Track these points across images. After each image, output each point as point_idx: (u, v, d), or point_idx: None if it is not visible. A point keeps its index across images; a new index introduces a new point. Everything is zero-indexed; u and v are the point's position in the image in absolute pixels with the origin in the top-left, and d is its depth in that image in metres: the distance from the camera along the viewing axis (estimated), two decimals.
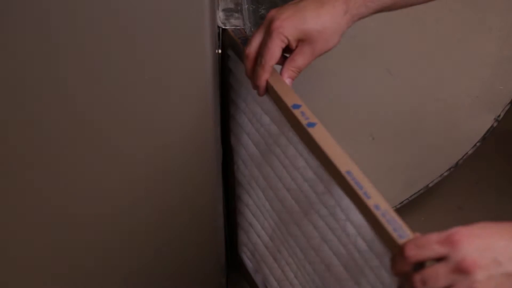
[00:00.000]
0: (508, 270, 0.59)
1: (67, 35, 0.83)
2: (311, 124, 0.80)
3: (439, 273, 0.60)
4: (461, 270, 0.59)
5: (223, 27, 0.96)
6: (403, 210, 1.34)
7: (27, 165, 0.93)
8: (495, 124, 1.24)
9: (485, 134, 1.24)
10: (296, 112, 0.81)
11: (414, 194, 1.32)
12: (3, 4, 0.78)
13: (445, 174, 1.30)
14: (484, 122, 1.24)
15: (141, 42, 0.84)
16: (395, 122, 1.23)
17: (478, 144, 1.26)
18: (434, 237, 0.63)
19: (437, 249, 0.61)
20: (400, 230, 0.67)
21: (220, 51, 0.96)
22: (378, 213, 0.68)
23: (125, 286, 1.09)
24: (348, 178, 0.74)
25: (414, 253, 0.62)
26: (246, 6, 1.02)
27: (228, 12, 0.99)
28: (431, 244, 0.61)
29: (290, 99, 0.83)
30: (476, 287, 0.59)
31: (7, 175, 0.93)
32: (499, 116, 1.23)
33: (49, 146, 0.91)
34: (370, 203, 0.70)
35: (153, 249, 1.04)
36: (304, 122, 0.80)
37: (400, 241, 0.65)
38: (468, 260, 0.59)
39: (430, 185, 1.31)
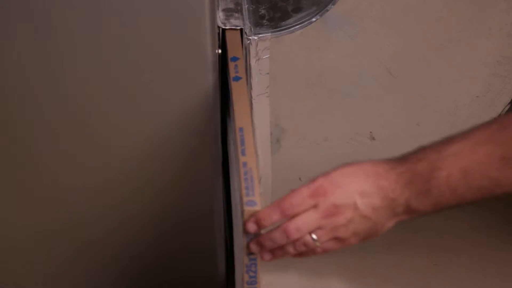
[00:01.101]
0: (364, 213, 0.72)
1: (67, 35, 0.83)
2: (236, 78, 0.85)
3: (310, 220, 0.72)
4: (327, 216, 0.72)
5: (223, 27, 0.96)
6: None
7: (27, 165, 0.93)
8: None
9: None
10: (231, 64, 0.85)
11: None
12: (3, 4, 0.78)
13: None
14: (484, 122, 1.24)
15: (141, 42, 0.84)
16: (395, 122, 1.23)
17: None
18: (304, 192, 0.73)
19: (309, 201, 0.72)
20: (251, 190, 0.74)
21: (220, 51, 0.96)
22: (242, 170, 0.75)
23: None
24: (238, 134, 0.80)
25: (289, 207, 0.73)
26: (246, 6, 1.02)
27: (228, 12, 0.99)
28: (305, 199, 0.72)
29: (232, 53, 0.88)
30: (339, 229, 0.73)
31: (8, 174, 0.93)
32: (499, 116, 1.23)
33: (48, 146, 0.91)
34: (241, 159, 0.75)
35: (149, 249, 1.04)
36: (232, 74, 0.85)
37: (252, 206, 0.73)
38: (331, 208, 0.72)
39: None
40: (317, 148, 1.22)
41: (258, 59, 1.06)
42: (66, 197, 0.96)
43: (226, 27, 0.95)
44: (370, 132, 1.23)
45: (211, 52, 0.87)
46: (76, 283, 1.06)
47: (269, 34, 1.04)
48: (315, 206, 0.72)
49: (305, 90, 1.15)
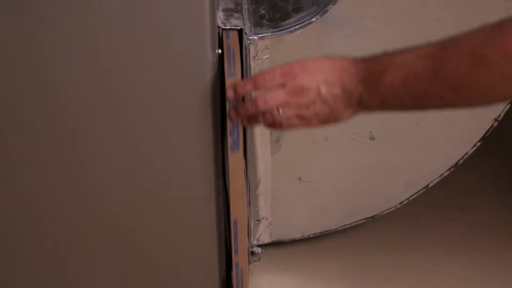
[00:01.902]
0: (324, 98, 0.84)
1: (67, 35, 0.83)
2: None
3: (278, 96, 0.85)
4: (292, 94, 0.84)
5: (223, 27, 0.96)
6: (403, 210, 1.34)
7: (26, 166, 0.93)
8: (495, 124, 1.24)
9: (485, 134, 1.24)
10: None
11: (414, 194, 1.32)
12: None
13: (445, 174, 1.30)
14: (484, 122, 1.24)
15: (141, 42, 0.84)
16: (395, 122, 1.23)
17: (478, 144, 1.26)
18: (277, 71, 0.85)
19: (279, 79, 0.85)
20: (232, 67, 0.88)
21: (220, 51, 0.96)
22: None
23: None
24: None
25: (261, 81, 0.85)
26: (246, 6, 1.02)
27: (228, 12, 0.99)
28: (275, 77, 0.84)
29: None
30: (302, 108, 0.85)
31: (9, 175, 0.94)
32: (499, 116, 1.23)
33: (47, 146, 0.91)
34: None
35: (147, 249, 1.04)
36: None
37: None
38: (297, 89, 0.84)
39: (430, 185, 1.31)
40: (317, 148, 1.22)
41: (258, 59, 1.06)
42: (65, 197, 0.96)
43: (226, 27, 0.95)
44: (370, 132, 1.23)
45: (211, 52, 0.87)
46: (76, 283, 1.06)
47: (269, 34, 1.04)
48: (283, 85, 0.85)
49: None
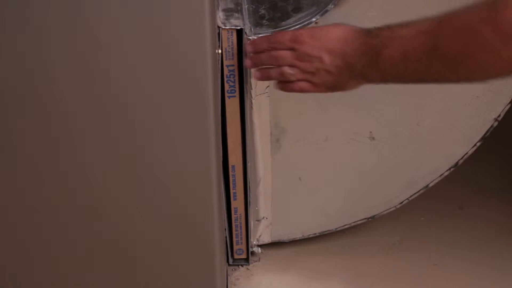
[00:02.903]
0: (328, 68, 0.88)
1: (67, 35, 0.83)
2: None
3: (287, 56, 0.92)
4: (299, 59, 0.91)
5: (223, 27, 0.96)
6: (403, 210, 1.34)
7: (25, 168, 0.93)
8: (495, 124, 1.24)
9: (485, 134, 1.24)
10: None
11: (414, 194, 1.32)
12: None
13: (445, 174, 1.30)
14: (484, 122, 1.24)
15: (140, 42, 0.84)
16: (395, 122, 1.23)
17: (478, 144, 1.26)
18: (287, 35, 0.92)
19: (288, 43, 0.92)
20: None
21: (220, 51, 0.96)
22: None
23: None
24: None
25: (274, 41, 0.93)
26: (246, 6, 1.02)
27: (228, 12, 0.99)
28: (286, 41, 0.92)
29: None
30: (309, 73, 0.91)
31: (10, 176, 0.94)
32: (499, 116, 1.23)
33: (47, 146, 0.91)
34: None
35: (146, 250, 1.04)
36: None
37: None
38: (304, 55, 0.90)
39: (430, 185, 1.31)
40: (317, 148, 1.22)
41: None
42: (64, 198, 0.96)
43: (226, 27, 0.95)
44: (370, 132, 1.23)
45: (211, 52, 0.87)
46: (75, 283, 1.06)
47: (269, 34, 1.04)
48: (293, 49, 0.91)
49: None
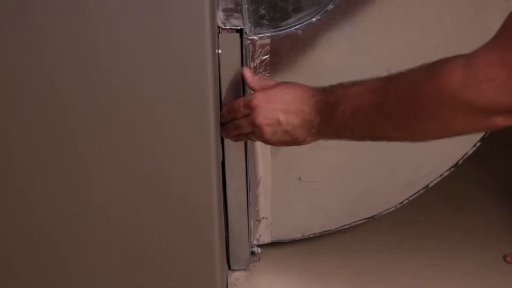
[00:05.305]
0: (285, 128, 0.91)
1: (67, 35, 0.83)
2: None
3: (244, 124, 0.95)
4: (256, 126, 0.93)
5: (223, 27, 0.96)
6: (403, 210, 1.34)
7: (26, 166, 0.93)
8: None
9: (485, 134, 1.24)
10: None
11: (414, 194, 1.32)
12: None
13: (445, 174, 1.30)
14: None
15: (140, 42, 0.84)
16: None
17: (478, 144, 1.26)
18: (241, 103, 0.95)
19: (243, 111, 0.94)
20: None
21: (220, 51, 0.96)
22: None
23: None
24: None
25: (232, 110, 0.96)
26: (246, 6, 1.02)
27: (228, 12, 0.99)
28: (240, 108, 0.94)
29: None
30: (266, 137, 0.93)
31: (11, 176, 0.94)
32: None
33: (47, 145, 0.91)
34: None
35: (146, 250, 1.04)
36: None
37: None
38: (259, 120, 0.92)
39: (430, 185, 1.31)
40: (317, 148, 1.22)
41: (258, 59, 1.06)
42: (64, 196, 0.96)
43: (226, 27, 0.96)
44: None
45: (211, 52, 0.87)
46: (75, 283, 1.06)
47: (269, 34, 1.04)
48: (248, 115, 0.94)
49: None
